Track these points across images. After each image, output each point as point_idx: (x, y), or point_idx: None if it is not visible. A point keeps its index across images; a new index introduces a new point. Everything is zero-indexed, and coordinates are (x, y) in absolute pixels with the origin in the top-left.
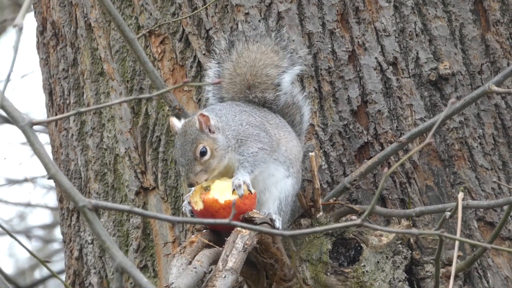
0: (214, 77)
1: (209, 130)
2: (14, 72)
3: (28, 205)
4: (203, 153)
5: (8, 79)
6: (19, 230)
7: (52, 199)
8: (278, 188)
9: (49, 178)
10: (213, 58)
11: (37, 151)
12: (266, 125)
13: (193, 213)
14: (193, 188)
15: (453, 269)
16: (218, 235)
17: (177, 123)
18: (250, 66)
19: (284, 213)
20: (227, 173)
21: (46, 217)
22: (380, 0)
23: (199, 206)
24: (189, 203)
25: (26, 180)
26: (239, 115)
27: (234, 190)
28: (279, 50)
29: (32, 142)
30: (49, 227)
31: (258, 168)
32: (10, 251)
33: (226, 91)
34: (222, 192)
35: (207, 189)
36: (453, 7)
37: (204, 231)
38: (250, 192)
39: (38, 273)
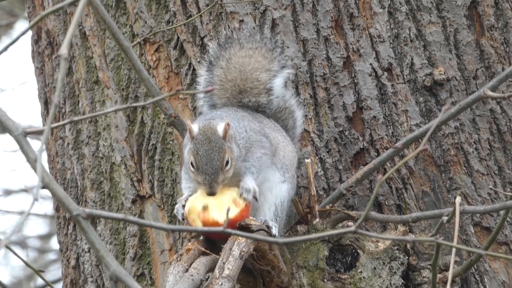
0: (205, 84)
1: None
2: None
3: (24, 213)
4: (227, 163)
5: (53, 115)
6: (14, 240)
7: (48, 208)
8: (273, 193)
9: (43, 188)
10: (203, 66)
11: (31, 160)
12: (265, 130)
13: (184, 216)
14: (185, 194)
15: (450, 275)
16: (213, 243)
17: (195, 127)
18: (240, 71)
19: (280, 219)
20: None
21: (42, 227)
22: (375, 6)
23: (198, 225)
24: (183, 206)
25: (24, 190)
26: (242, 121)
27: (241, 194)
28: (266, 53)
29: (25, 152)
30: (45, 237)
31: (262, 174)
32: (6, 260)
33: (218, 97)
34: (220, 209)
35: (204, 208)
36: (447, 12)
37: (201, 238)
38: (256, 199)
39: (35, 283)
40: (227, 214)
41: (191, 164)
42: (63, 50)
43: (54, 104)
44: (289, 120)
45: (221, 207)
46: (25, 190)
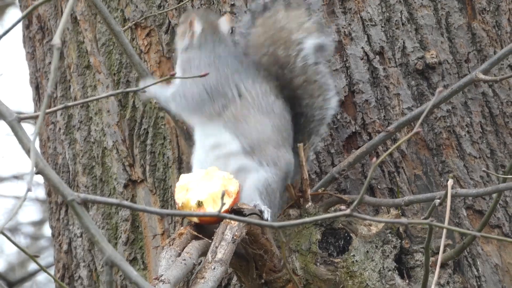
0: (246, 27)
1: None
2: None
3: (17, 197)
4: None
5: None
6: (7, 227)
7: (40, 194)
8: (247, 182)
9: (37, 173)
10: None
11: (25, 146)
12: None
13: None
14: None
15: (439, 256)
16: (203, 229)
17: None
18: (275, 29)
19: (272, 204)
20: None
21: (34, 214)
22: None
23: (194, 220)
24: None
25: (16, 176)
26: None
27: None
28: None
29: (20, 138)
30: (37, 223)
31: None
32: None
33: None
34: (215, 203)
35: (199, 204)
36: None
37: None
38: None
39: (28, 269)
40: (221, 204)
41: None
42: (56, 40)
43: (47, 95)
44: (318, 98)
45: (216, 202)
46: (16, 177)
